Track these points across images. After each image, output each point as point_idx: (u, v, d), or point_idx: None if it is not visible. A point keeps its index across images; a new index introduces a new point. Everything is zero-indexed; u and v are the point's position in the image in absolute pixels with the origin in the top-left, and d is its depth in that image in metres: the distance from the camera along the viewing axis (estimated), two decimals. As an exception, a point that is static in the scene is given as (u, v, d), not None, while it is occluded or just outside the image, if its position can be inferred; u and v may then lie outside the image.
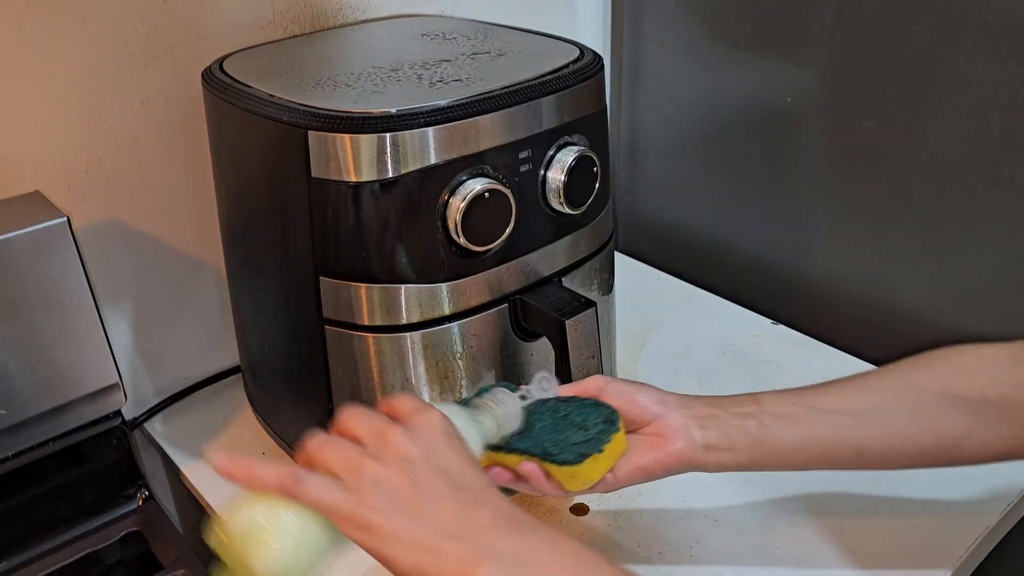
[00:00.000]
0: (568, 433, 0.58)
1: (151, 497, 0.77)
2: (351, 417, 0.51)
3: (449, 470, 0.48)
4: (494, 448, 0.59)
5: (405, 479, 0.47)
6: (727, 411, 0.61)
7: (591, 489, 0.60)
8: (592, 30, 1.14)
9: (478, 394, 0.60)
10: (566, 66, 0.69)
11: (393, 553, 0.45)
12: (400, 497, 0.46)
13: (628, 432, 0.62)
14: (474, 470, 0.50)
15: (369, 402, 0.68)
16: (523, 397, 0.59)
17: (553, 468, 0.58)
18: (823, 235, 1.00)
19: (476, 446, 0.55)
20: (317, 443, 0.50)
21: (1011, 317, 0.86)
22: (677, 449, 0.60)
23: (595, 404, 0.61)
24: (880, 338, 0.97)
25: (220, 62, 0.73)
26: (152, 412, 0.88)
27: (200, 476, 0.80)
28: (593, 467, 0.58)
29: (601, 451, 0.57)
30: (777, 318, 1.01)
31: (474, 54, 0.73)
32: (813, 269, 1.02)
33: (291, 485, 0.47)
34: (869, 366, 0.92)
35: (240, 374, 0.88)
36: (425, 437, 0.49)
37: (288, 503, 0.47)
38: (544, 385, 0.60)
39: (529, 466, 0.58)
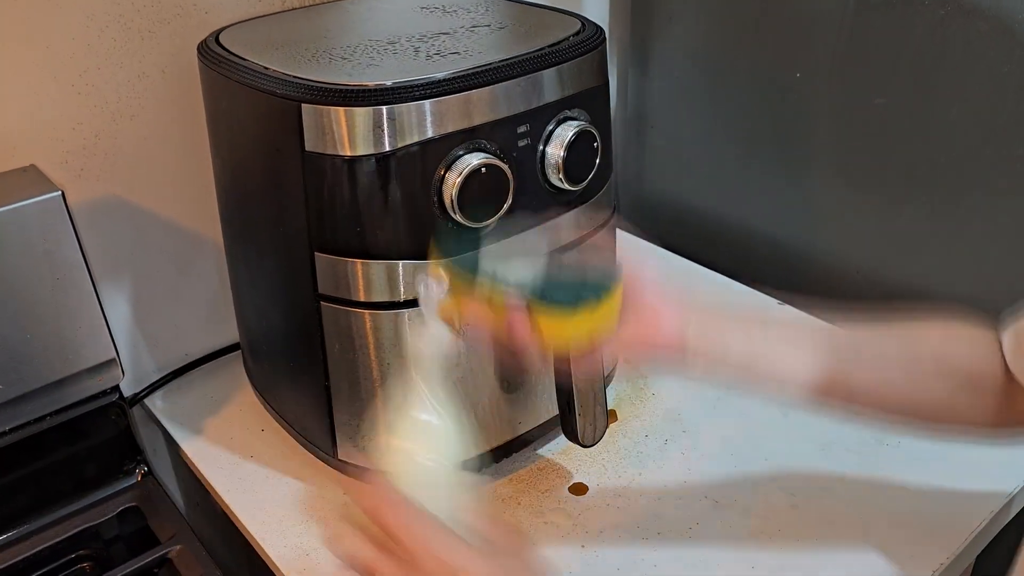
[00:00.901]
0: (565, 277, 0.57)
1: (150, 472, 0.77)
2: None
3: None
4: (485, 283, 0.56)
5: None
6: (730, 321, 0.60)
7: (573, 351, 0.58)
8: (598, 3, 1.12)
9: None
10: (566, 39, 0.68)
11: None
12: None
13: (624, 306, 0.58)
14: None
15: (365, 380, 0.68)
16: None
17: (543, 312, 0.55)
18: (831, 213, 0.98)
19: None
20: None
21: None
22: (667, 337, 0.58)
23: (598, 266, 0.59)
24: (889, 320, 0.95)
25: (216, 35, 0.72)
26: (152, 388, 0.88)
27: (199, 452, 0.80)
28: (584, 316, 0.55)
29: (598, 299, 0.55)
30: (783, 298, 1.00)
31: (473, 27, 0.71)
32: (820, 248, 1.00)
33: None
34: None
35: (240, 351, 0.88)
36: None
37: None
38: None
39: (517, 313, 0.55)
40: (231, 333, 0.89)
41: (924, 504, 0.71)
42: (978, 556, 0.72)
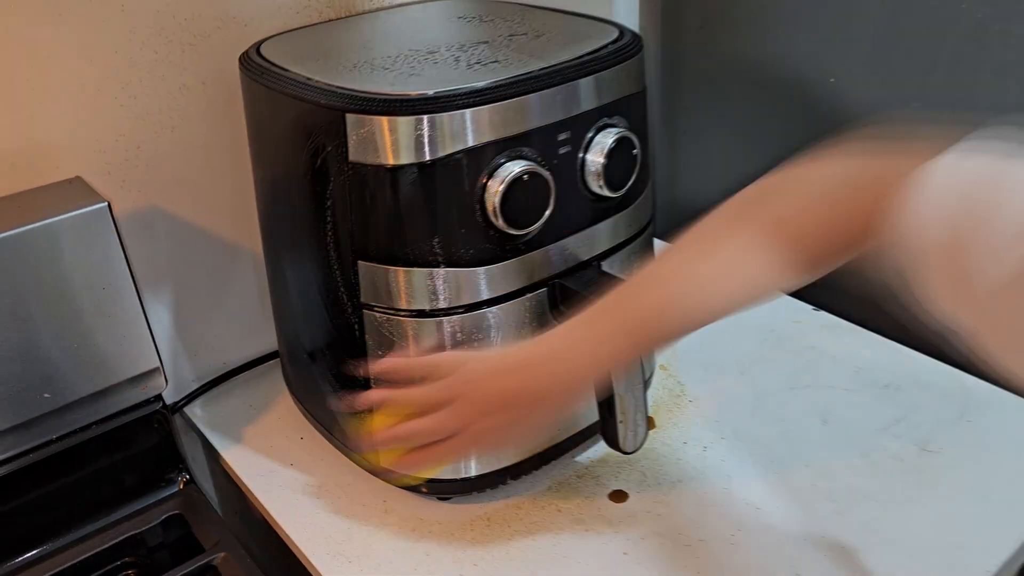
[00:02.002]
0: None
1: (192, 481, 0.78)
2: None
3: None
4: None
5: None
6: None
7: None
8: (629, 10, 1.12)
9: None
10: (605, 47, 0.68)
11: None
12: None
13: None
14: None
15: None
16: None
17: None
18: (867, 219, 0.97)
19: None
20: None
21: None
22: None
23: None
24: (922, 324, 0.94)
25: (257, 46, 0.73)
26: (192, 396, 0.88)
27: (239, 460, 0.81)
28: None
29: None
30: (818, 304, 0.99)
31: (511, 35, 0.72)
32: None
33: None
34: (912, 352, 0.90)
35: (279, 359, 0.88)
36: None
37: None
38: None
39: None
40: (269, 341, 0.90)
41: (968, 511, 0.70)
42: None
